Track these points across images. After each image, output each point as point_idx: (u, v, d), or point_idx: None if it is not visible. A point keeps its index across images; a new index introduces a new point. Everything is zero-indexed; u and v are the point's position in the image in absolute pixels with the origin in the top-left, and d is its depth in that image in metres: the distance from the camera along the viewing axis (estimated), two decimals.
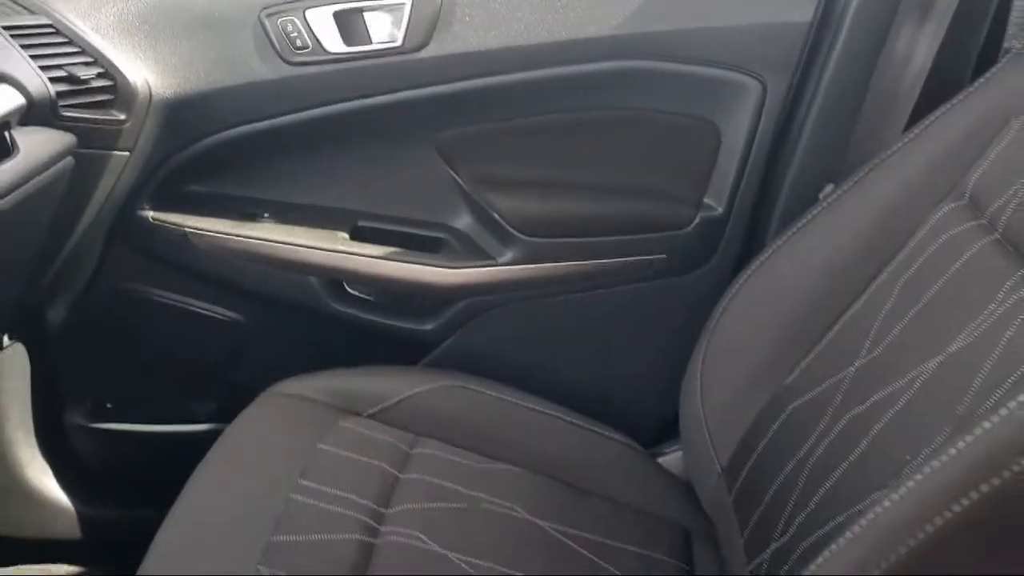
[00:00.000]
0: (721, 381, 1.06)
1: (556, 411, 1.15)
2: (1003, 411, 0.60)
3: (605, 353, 1.27)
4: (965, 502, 0.58)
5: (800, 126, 1.14)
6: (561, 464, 1.08)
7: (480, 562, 0.90)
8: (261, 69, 1.14)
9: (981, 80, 0.95)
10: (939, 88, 1.04)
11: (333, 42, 1.12)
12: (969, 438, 0.61)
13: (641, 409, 1.25)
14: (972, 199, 0.88)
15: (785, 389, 0.95)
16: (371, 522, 0.92)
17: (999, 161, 0.87)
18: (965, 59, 1.06)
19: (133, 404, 1.32)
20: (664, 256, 1.21)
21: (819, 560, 0.68)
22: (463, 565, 0.89)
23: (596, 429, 1.15)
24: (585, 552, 0.97)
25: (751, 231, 1.19)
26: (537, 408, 1.15)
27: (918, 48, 1.06)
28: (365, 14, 1.13)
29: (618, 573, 0.95)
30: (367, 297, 1.27)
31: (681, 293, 1.22)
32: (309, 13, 1.12)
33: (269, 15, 1.13)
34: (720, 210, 1.19)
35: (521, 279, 1.22)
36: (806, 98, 1.14)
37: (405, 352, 1.25)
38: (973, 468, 0.59)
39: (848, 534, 0.65)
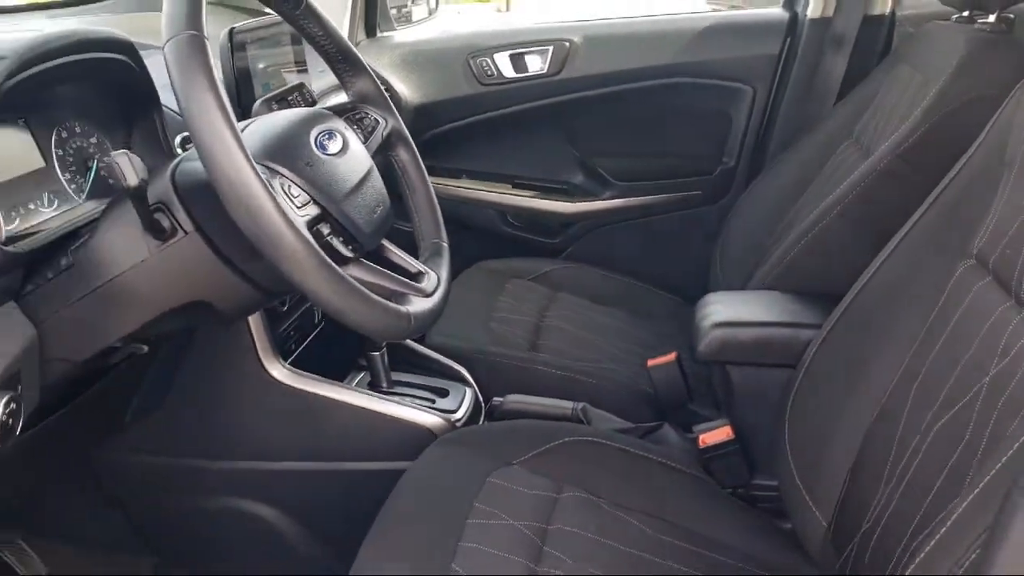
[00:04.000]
0: (730, 253, 1.85)
1: (636, 281, 1.96)
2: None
3: (665, 251, 2.08)
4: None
5: (775, 113, 1.96)
6: (639, 303, 1.87)
7: (598, 311, 1.70)
8: (465, 88, 2.01)
9: (870, 75, 1.74)
10: (851, 83, 1.83)
11: (508, 71, 1.99)
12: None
13: (685, 281, 1.99)
14: (856, 136, 1.66)
15: (766, 249, 1.73)
16: (539, 318, 1.72)
17: (870, 114, 1.66)
18: (867, 67, 1.84)
19: None
20: (699, 192, 2.04)
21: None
22: (602, 343, 1.69)
23: (660, 292, 1.96)
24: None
25: (750, 175, 1.99)
26: (625, 279, 1.96)
27: (837, 63, 1.87)
28: (526, 56, 1.99)
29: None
30: (519, 224, 2.12)
31: (710, 214, 2.04)
32: (495, 55, 1.99)
33: (472, 57, 2.00)
34: (732, 163, 2.02)
35: (614, 208, 2.07)
36: (779, 96, 1.96)
37: (542, 256, 2.07)
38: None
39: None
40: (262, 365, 1.28)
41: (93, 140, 1.07)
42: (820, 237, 1.38)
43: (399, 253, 1.03)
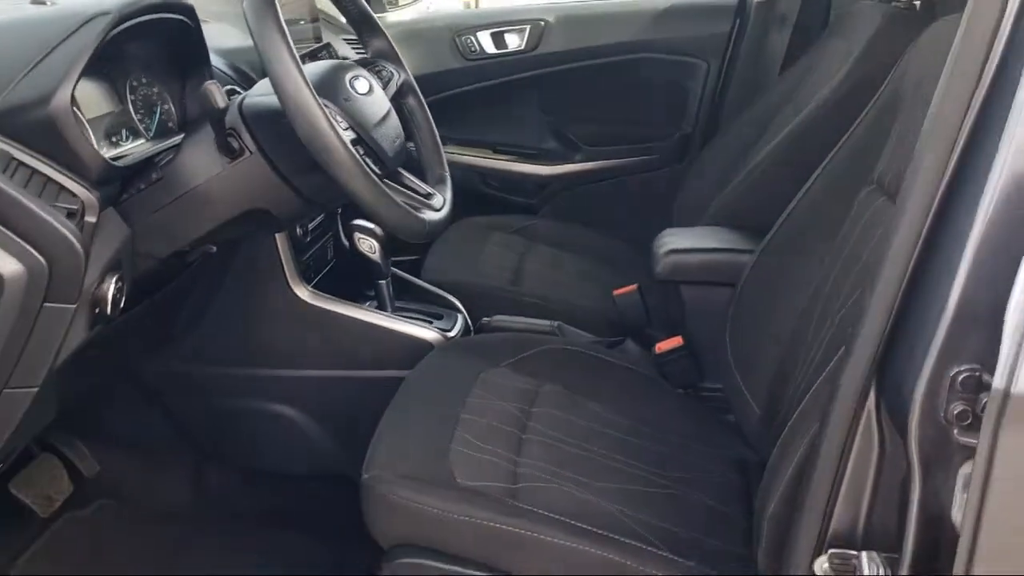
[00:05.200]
0: (686, 207, 2.10)
1: (605, 234, 2.21)
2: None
3: (630, 207, 2.32)
4: None
5: (727, 84, 2.22)
6: (607, 252, 2.12)
7: (571, 259, 1.95)
8: (452, 63, 2.25)
9: (809, 49, 2.00)
10: (793, 56, 2.09)
11: (489, 47, 2.24)
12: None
13: (648, 232, 2.16)
14: (795, 101, 1.92)
15: (722, 194, 1.98)
16: (518, 262, 1.97)
17: (807, 82, 1.91)
18: (805, 44, 2.10)
19: None
20: (660, 155, 2.30)
21: None
22: (574, 282, 1.93)
23: (626, 243, 2.20)
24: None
25: (705, 139, 2.25)
26: (595, 232, 2.21)
27: (780, 39, 2.13)
28: (505, 34, 2.24)
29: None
30: (500, 185, 2.36)
31: (668, 175, 2.29)
32: (478, 33, 2.23)
33: (457, 35, 2.25)
34: (689, 130, 2.28)
35: (584, 170, 2.32)
36: (730, 70, 2.22)
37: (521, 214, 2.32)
38: None
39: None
40: (289, 286, 1.51)
41: (155, 90, 1.30)
42: (757, 180, 1.64)
43: (413, 179, 1.27)
